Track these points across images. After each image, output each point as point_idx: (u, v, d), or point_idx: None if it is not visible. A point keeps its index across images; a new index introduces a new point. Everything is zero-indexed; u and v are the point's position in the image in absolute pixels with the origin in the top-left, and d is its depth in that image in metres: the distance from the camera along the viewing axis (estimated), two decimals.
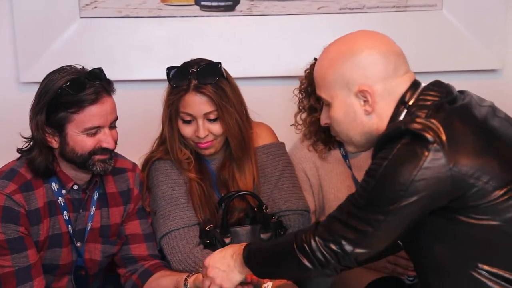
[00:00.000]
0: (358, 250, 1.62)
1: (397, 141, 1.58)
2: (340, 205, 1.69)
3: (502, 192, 1.56)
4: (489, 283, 1.60)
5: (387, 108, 1.67)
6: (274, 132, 2.42)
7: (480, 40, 2.80)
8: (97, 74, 2.00)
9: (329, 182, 2.44)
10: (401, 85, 1.68)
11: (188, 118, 2.19)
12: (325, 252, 1.64)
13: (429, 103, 1.64)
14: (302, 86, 2.41)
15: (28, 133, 2.05)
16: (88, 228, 2.11)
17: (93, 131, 1.98)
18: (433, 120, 1.57)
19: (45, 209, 2.03)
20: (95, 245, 2.13)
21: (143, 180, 2.25)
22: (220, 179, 2.29)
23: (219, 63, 2.19)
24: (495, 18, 2.81)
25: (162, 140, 2.29)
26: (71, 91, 1.94)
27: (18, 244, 1.97)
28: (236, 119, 2.21)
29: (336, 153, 2.45)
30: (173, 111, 2.19)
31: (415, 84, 1.69)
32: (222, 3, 2.73)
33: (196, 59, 2.24)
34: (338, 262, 1.65)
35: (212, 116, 2.18)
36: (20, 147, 2.07)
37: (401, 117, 1.66)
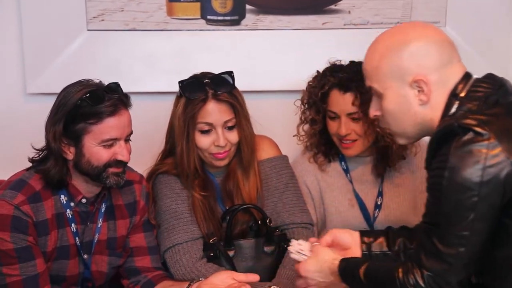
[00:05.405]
0: (461, 276, 1.58)
1: (450, 142, 1.54)
2: (420, 239, 1.62)
3: None
4: None
5: (440, 99, 1.66)
6: (278, 145, 2.43)
7: (483, 57, 2.82)
8: (115, 88, 2.02)
9: (330, 195, 2.46)
10: (455, 75, 1.66)
11: (206, 128, 2.19)
12: None
13: (480, 94, 1.62)
14: (304, 98, 2.44)
15: (35, 144, 2.06)
16: (95, 240, 2.12)
17: (109, 143, 1.99)
18: (485, 114, 1.54)
19: (53, 221, 2.04)
20: (101, 257, 2.14)
21: (149, 192, 2.26)
22: (226, 190, 2.30)
23: (232, 72, 2.22)
24: (499, 34, 2.83)
25: (166, 154, 2.30)
26: (90, 102, 1.96)
27: (26, 253, 1.98)
28: (249, 126, 2.24)
29: (336, 166, 2.47)
30: (190, 124, 2.19)
31: (467, 76, 1.67)
32: (228, 17, 2.75)
33: (203, 72, 2.26)
34: None
35: (230, 124, 2.20)
36: (29, 157, 2.08)
37: (453, 109, 1.63)
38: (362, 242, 1.93)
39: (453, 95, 1.64)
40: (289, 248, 1.95)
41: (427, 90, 1.65)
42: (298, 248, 1.92)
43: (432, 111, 1.67)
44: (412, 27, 1.73)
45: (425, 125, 1.68)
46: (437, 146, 1.58)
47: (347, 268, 1.77)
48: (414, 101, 1.68)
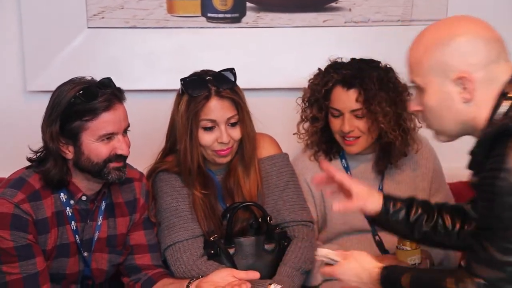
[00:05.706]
0: None
1: (505, 142, 1.48)
2: (472, 246, 1.56)
3: None
4: None
5: (487, 97, 1.58)
6: (278, 143, 2.43)
7: None
8: (107, 83, 2.01)
9: None
10: (503, 74, 1.59)
11: (210, 125, 2.19)
12: None
13: None
14: (306, 96, 2.43)
15: (35, 143, 2.05)
16: (95, 238, 2.12)
17: (107, 138, 1.99)
18: None
19: (53, 219, 2.04)
20: (101, 255, 2.14)
21: (149, 190, 2.25)
22: (226, 188, 2.30)
23: (233, 68, 2.22)
24: (501, 33, 2.81)
25: (167, 152, 2.30)
26: (84, 99, 1.95)
27: (26, 252, 1.98)
28: (251, 123, 2.25)
29: (337, 164, 2.46)
30: (193, 121, 2.18)
31: None
32: (229, 15, 2.75)
33: (203, 69, 2.26)
34: None
35: (233, 120, 2.20)
36: (28, 156, 2.07)
37: (503, 109, 1.56)
38: (383, 204, 1.87)
39: (502, 95, 1.58)
40: (316, 255, 1.91)
41: (470, 88, 1.58)
42: (326, 254, 1.88)
43: (477, 110, 1.59)
44: (459, 22, 1.64)
45: (468, 124, 1.61)
46: (490, 147, 1.52)
47: (388, 276, 1.71)
48: (457, 98, 1.60)
